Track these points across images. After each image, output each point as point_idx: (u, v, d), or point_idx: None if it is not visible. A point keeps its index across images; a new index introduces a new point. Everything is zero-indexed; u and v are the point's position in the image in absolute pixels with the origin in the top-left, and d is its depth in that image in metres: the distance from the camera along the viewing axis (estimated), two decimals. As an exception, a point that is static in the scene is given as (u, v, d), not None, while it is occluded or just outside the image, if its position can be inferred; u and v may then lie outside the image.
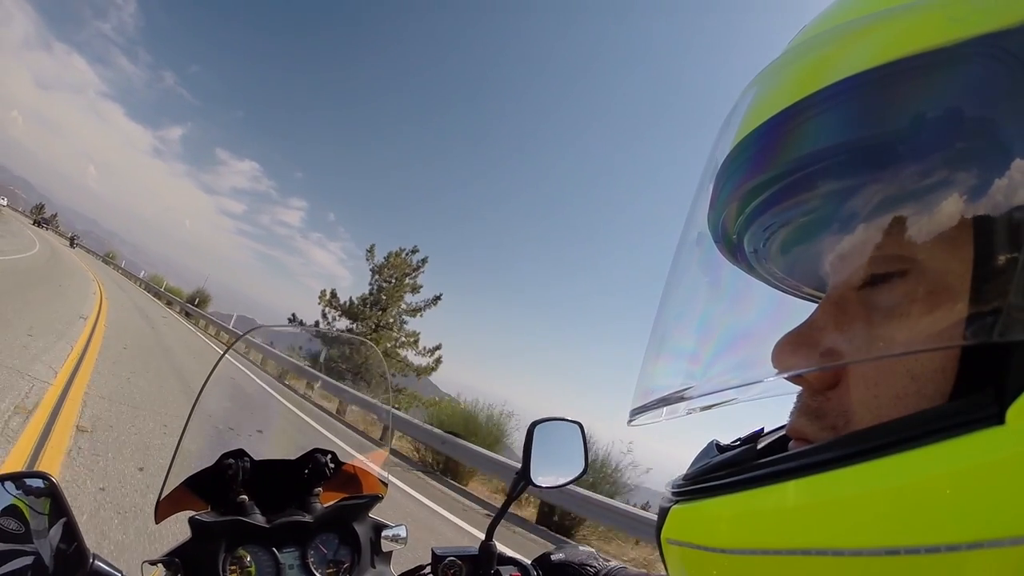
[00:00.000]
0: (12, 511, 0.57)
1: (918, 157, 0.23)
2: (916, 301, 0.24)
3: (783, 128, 0.28)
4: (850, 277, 0.27)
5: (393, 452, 7.45)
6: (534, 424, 0.86)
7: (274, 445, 1.31)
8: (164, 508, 0.87)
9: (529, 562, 0.89)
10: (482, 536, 0.90)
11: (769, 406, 0.34)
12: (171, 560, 0.79)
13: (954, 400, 0.22)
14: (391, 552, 0.98)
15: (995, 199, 0.20)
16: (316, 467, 1.00)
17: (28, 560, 0.56)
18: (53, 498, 0.60)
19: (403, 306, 18.49)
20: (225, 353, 1.11)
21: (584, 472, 0.91)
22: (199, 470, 0.92)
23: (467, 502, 6.27)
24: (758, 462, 0.27)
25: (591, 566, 0.83)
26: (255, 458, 0.95)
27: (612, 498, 5.91)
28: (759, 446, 0.31)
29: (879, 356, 0.26)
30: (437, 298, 18.68)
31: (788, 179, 0.29)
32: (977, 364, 0.22)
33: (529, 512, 6.34)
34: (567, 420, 0.91)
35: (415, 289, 18.69)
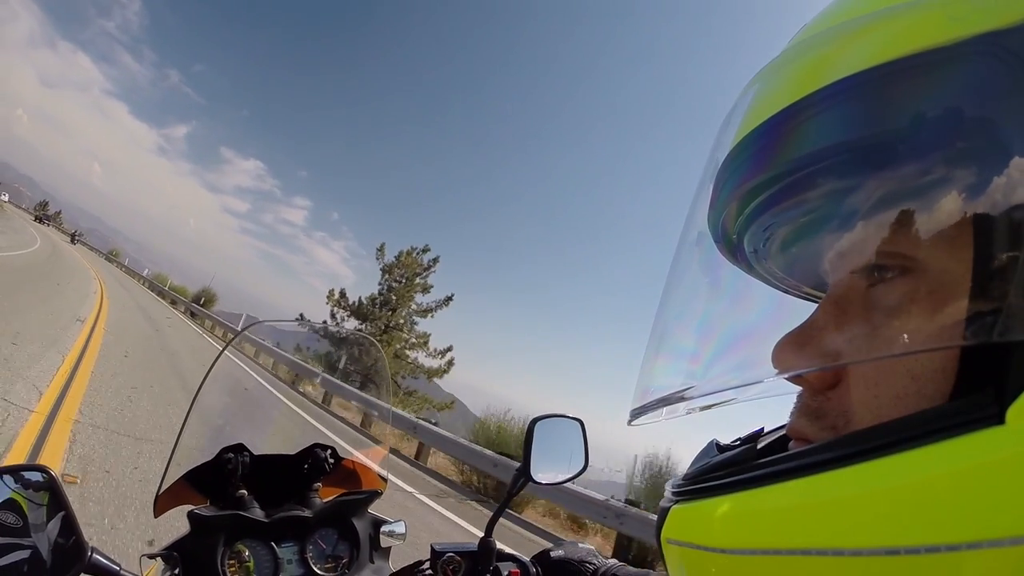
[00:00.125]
0: (10, 505, 0.57)
1: (918, 156, 0.23)
2: (916, 301, 0.24)
3: (783, 127, 0.28)
4: (850, 276, 0.27)
5: (437, 476, 7.04)
6: (535, 420, 0.86)
7: (274, 440, 1.31)
8: (163, 502, 0.88)
9: (528, 559, 0.89)
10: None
11: (769, 406, 0.34)
12: (170, 554, 0.79)
13: (954, 400, 0.22)
14: (390, 548, 0.98)
15: (995, 198, 0.20)
16: (315, 462, 1.00)
17: (25, 554, 0.56)
18: (52, 491, 0.60)
19: (413, 306, 18.18)
20: (225, 349, 1.11)
21: (584, 469, 0.91)
22: (198, 464, 0.92)
23: (527, 533, 5.32)
24: (758, 462, 0.27)
25: (590, 563, 0.83)
26: (254, 452, 0.95)
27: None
28: (759, 446, 0.31)
29: (879, 356, 0.26)
30: (449, 298, 18.30)
31: (788, 178, 0.29)
32: (977, 364, 0.22)
33: (596, 541, 5.45)
34: (568, 417, 0.91)
35: (426, 289, 18.36)
